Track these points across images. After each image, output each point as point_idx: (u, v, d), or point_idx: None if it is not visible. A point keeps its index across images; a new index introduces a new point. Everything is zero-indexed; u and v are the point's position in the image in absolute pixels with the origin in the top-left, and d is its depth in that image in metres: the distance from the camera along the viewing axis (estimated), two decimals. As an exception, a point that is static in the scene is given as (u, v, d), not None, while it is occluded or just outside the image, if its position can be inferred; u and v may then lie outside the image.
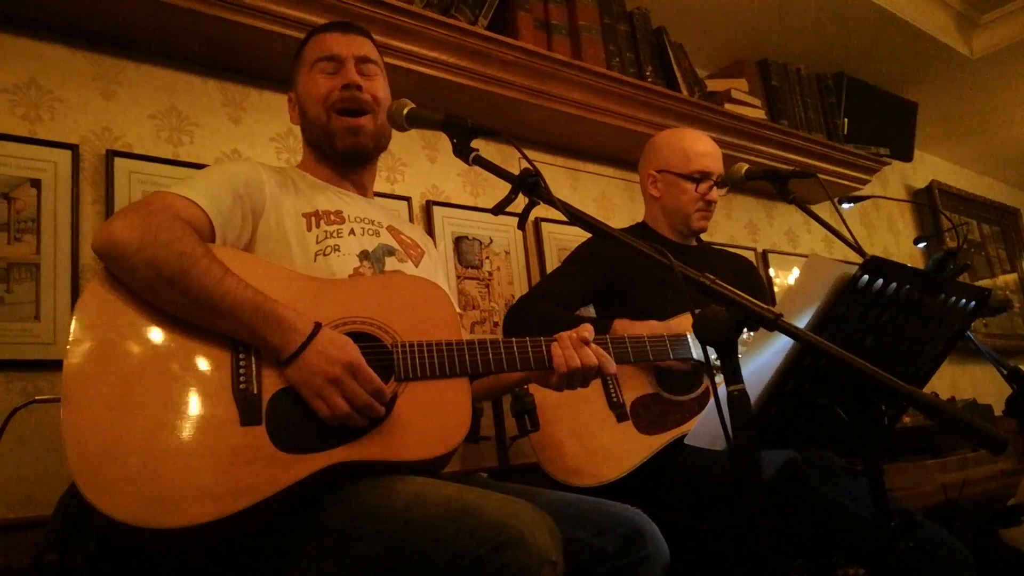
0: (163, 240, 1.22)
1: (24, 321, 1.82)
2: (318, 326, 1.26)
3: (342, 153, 1.59)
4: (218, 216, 1.36)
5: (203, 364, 1.22)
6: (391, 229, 1.61)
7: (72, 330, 1.18)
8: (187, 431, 1.15)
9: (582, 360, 1.45)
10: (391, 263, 1.54)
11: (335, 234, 1.48)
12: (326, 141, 1.58)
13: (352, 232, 1.51)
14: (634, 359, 1.62)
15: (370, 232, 1.55)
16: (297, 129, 1.69)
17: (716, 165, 2.27)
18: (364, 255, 1.50)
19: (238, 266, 1.27)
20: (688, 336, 1.76)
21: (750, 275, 2.42)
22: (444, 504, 1.13)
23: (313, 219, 1.49)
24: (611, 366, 1.49)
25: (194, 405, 1.18)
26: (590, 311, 2.42)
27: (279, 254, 1.42)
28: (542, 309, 2.07)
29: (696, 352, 1.76)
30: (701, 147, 2.28)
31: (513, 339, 1.45)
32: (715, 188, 2.26)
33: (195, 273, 1.21)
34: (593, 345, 1.47)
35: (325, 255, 1.45)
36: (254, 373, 1.24)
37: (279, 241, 1.43)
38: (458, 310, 1.58)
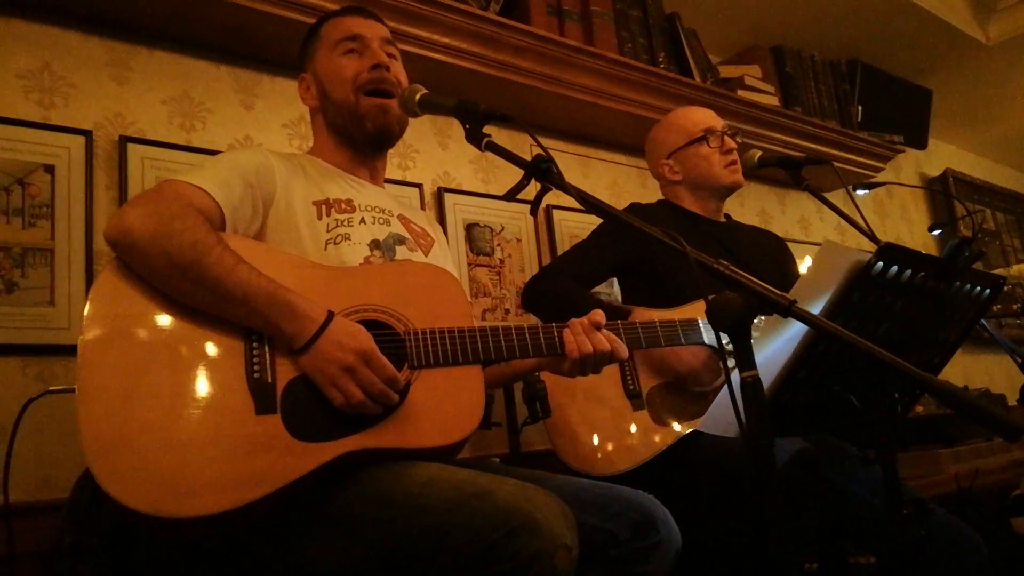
0: (176, 229, 1.22)
1: (39, 306, 1.83)
2: (331, 314, 1.25)
3: (372, 134, 1.57)
4: (229, 205, 1.35)
5: (216, 353, 1.22)
6: (401, 218, 1.61)
7: (85, 319, 1.18)
8: (202, 420, 1.16)
9: (594, 346, 1.44)
10: (402, 252, 1.54)
11: (346, 223, 1.48)
12: (354, 123, 1.56)
13: (363, 221, 1.51)
14: (646, 344, 1.61)
15: (381, 221, 1.54)
16: (308, 116, 1.69)
17: (716, 121, 2.28)
18: (375, 244, 1.49)
19: (249, 255, 1.26)
20: (700, 321, 1.74)
21: (781, 252, 2.39)
22: (458, 488, 1.13)
23: (324, 207, 1.48)
24: (623, 351, 1.48)
25: (208, 394, 1.18)
26: (614, 287, 2.41)
27: (289, 243, 1.42)
28: (563, 287, 2.06)
29: (708, 337, 1.75)
30: (695, 115, 2.31)
31: (525, 326, 1.45)
32: (727, 137, 2.25)
33: (208, 262, 1.21)
34: (605, 331, 1.47)
35: (336, 244, 1.44)
36: (268, 362, 1.24)
37: (289, 230, 1.43)
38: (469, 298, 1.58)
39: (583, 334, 1.45)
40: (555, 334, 1.45)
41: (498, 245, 2.71)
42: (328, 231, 1.45)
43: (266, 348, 1.25)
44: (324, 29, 1.63)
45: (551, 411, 1.87)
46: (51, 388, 1.59)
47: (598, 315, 1.48)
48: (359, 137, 1.59)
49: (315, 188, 1.50)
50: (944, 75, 4.37)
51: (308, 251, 1.42)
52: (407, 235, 1.57)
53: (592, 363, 1.46)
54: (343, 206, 1.50)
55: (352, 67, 1.56)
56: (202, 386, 1.18)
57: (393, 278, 1.41)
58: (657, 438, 1.86)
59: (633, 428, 1.88)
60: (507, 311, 2.64)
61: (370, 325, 1.30)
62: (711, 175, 2.23)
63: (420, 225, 1.65)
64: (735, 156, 2.25)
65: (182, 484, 1.11)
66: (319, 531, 1.21)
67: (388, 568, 1.15)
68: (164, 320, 1.22)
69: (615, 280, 2.33)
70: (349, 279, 1.38)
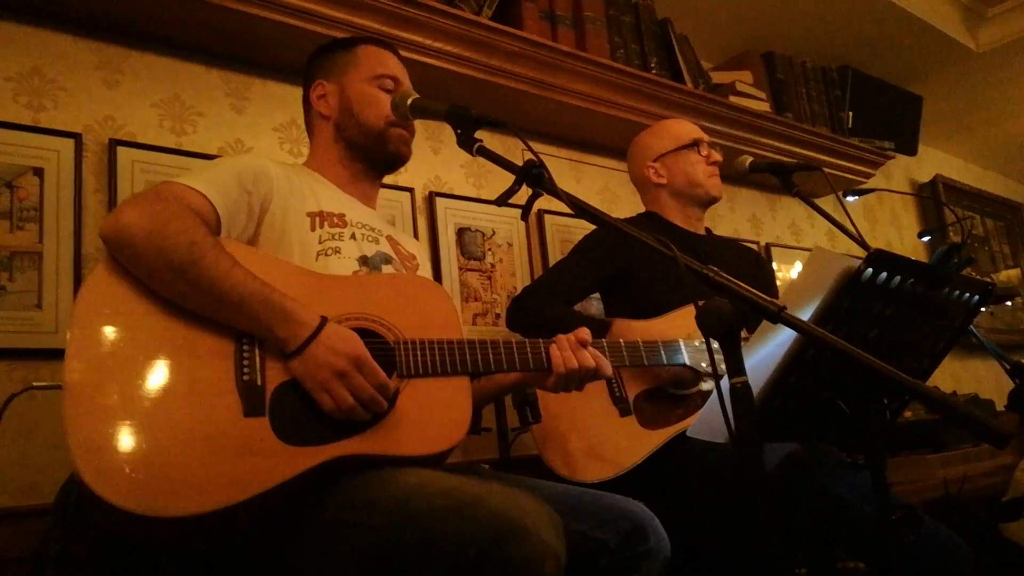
0: (173, 229, 1.22)
1: (26, 310, 1.82)
2: (324, 320, 1.26)
3: (392, 156, 1.64)
4: (225, 209, 1.36)
5: (206, 353, 1.22)
6: (390, 239, 1.63)
7: (74, 316, 1.17)
8: (190, 420, 1.15)
9: (580, 362, 1.47)
10: (387, 271, 1.56)
11: (337, 236, 1.49)
12: (377, 143, 1.62)
13: (353, 236, 1.52)
14: (629, 363, 1.65)
15: (370, 239, 1.56)
16: (300, 119, 1.69)
17: (704, 135, 2.35)
18: (363, 260, 1.51)
19: (244, 259, 1.27)
20: (680, 342, 1.77)
21: (758, 266, 2.42)
22: (447, 495, 1.13)
23: (317, 219, 1.50)
24: (607, 369, 1.51)
25: (197, 394, 1.17)
26: (592, 303, 2.42)
27: (281, 251, 1.43)
28: (544, 305, 2.07)
29: (688, 358, 1.78)
30: (685, 124, 2.40)
31: (513, 340, 1.47)
32: (713, 151, 2.31)
33: (204, 263, 1.21)
34: (591, 348, 1.50)
35: (326, 255, 1.46)
36: (258, 365, 1.24)
37: (282, 238, 1.44)
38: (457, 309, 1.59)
39: (569, 350, 1.48)
40: (542, 349, 1.48)
41: (489, 250, 2.71)
42: (320, 243, 1.47)
43: (256, 351, 1.25)
44: (363, 53, 1.66)
45: (541, 416, 1.87)
46: (35, 384, 1.57)
47: (584, 333, 1.51)
48: (377, 157, 1.64)
49: (311, 199, 1.52)
50: (934, 82, 4.40)
51: (298, 261, 1.43)
52: (394, 255, 1.60)
53: (576, 379, 1.49)
54: (335, 220, 1.52)
55: (387, 104, 1.59)
56: (191, 386, 1.18)
57: (384, 288, 1.43)
58: (644, 443, 1.87)
59: (621, 434, 1.88)
60: (497, 316, 2.64)
61: (360, 333, 1.30)
62: (696, 181, 2.27)
63: (407, 248, 1.68)
64: (718, 170, 2.31)
65: (168, 483, 1.10)
66: (308, 537, 1.20)
67: (378, 573, 1.15)
68: (154, 319, 1.21)
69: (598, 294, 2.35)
70: (341, 287, 1.38)
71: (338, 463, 1.22)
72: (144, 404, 1.14)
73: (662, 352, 1.73)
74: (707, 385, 1.90)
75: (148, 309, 1.22)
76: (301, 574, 1.21)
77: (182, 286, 1.21)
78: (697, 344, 1.75)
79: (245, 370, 1.22)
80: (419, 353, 1.35)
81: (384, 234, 1.62)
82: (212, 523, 1.12)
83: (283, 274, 1.33)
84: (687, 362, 1.75)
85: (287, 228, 1.45)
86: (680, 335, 1.83)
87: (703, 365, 1.74)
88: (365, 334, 1.31)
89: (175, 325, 1.22)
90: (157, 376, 1.17)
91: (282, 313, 1.23)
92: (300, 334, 1.23)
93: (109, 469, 1.08)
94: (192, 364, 1.20)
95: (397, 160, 1.67)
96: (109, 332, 1.18)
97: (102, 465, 1.08)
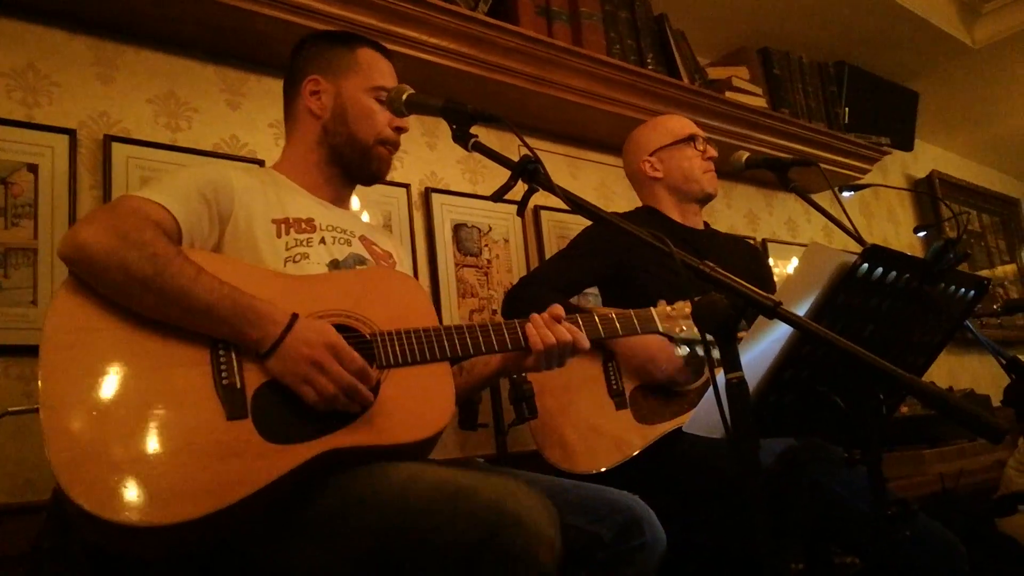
0: (134, 242, 1.21)
1: (21, 306, 1.81)
2: (295, 316, 1.25)
3: (372, 174, 1.64)
4: (185, 219, 1.35)
5: (182, 362, 1.21)
6: (364, 239, 1.62)
7: (44, 336, 1.16)
8: (173, 429, 1.15)
9: (557, 337, 1.46)
10: None
11: (305, 242, 1.48)
12: (361, 158, 1.61)
13: (323, 241, 1.51)
14: (604, 335, 1.63)
15: (341, 241, 1.55)
16: (295, 116, 1.68)
17: (699, 130, 2.36)
18: (334, 264, 1.50)
19: (210, 265, 1.26)
20: (652, 311, 1.74)
21: (756, 261, 2.42)
22: (439, 488, 1.13)
23: (283, 226, 1.48)
24: (584, 342, 1.51)
25: (178, 403, 1.17)
26: (588, 298, 2.42)
27: (247, 259, 1.42)
28: (539, 296, 2.07)
29: (661, 326, 1.74)
30: (682, 120, 2.41)
31: (489, 323, 1.47)
32: (709, 146, 2.32)
33: (169, 273, 1.20)
34: (565, 323, 1.50)
35: (295, 262, 1.44)
36: (236, 367, 1.23)
37: (247, 246, 1.43)
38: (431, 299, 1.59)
39: (544, 327, 1.47)
40: (518, 329, 1.48)
41: (485, 246, 2.70)
42: (287, 249, 1.46)
43: (233, 355, 1.24)
44: (363, 59, 1.63)
45: (537, 411, 1.87)
46: (10, 409, 1.54)
47: (558, 309, 1.51)
48: (357, 170, 1.62)
49: (276, 206, 1.50)
50: (930, 78, 4.40)
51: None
52: (368, 256, 1.58)
53: (556, 355, 1.48)
54: (303, 225, 1.51)
55: (383, 119, 1.59)
56: (170, 395, 1.17)
57: (356, 284, 1.43)
58: (639, 436, 1.88)
59: (616, 427, 1.89)
60: (494, 311, 2.64)
61: (336, 329, 1.29)
62: (692, 176, 2.27)
63: (383, 247, 1.66)
64: (713, 166, 2.31)
65: (156, 492, 1.09)
66: (302, 537, 1.20)
67: (373, 570, 1.15)
68: (126, 333, 1.20)
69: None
70: (311, 286, 1.38)
71: (327, 458, 1.22)
72: (125, 418, 1.13)
73: (636, 322, 1.70)
74: (684, 353, 1.86)
75: (118, 324, 1.21)
76: (298, 573, 1.21)
77: (149, 298, 1.20)
78: (670, 311, 1.72)
79: (223, 374, 1.22)
80: (396, 343, 1.35)
81: (357, 235, 1.61)
82: (203, 529, 1.11)
83: (252, 277, 1.32)
84: (660, 329, 1.73)
85: (252, 236, 1.43)
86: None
87: (677, 331, 1.71)
88: (341, 330, 1.31)
89: (147, 337, 1.21)
90: (135, 389, 1.16)
91: (252, 314, 1.23)
92: (272, 332, 1.23)
93: (94, 482, 1.07)
94: (169, 373, 1.19)
95: (375, 178, 1.66)
96: (81, 351, 1.17)
97: (87, 479, 1.07)
